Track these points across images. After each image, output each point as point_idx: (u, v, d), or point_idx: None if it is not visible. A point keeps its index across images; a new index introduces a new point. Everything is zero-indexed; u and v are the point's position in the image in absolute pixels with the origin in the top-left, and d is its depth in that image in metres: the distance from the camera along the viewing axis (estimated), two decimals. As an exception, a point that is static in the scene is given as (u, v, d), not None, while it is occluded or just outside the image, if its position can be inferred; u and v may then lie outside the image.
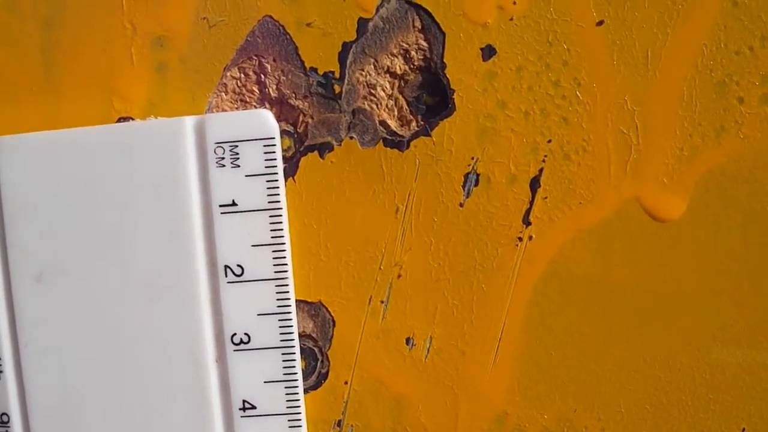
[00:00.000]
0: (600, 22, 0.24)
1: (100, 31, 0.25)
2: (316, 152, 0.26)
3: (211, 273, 0.24)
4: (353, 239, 0.26)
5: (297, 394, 0.25)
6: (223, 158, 0.24)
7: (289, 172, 0.26)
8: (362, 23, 0.25)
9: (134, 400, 0.25)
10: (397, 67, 0.25)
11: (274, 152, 0.24)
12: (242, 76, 0.26)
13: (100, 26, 0.25)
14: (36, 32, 0.25)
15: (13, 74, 0.26)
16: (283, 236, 0.25)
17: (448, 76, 0.25)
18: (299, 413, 0.25)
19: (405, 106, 0.26)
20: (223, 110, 0.25)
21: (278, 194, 0.24)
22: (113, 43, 0.25)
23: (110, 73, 0.26)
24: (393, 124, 0.26)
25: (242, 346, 0.25)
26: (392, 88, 0.26)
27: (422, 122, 0.25)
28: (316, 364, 0.26)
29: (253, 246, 0.24)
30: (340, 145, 0.26)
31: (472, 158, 0.25)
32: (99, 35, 0.25)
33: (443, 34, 0.25)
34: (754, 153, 0.24)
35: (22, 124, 0.26)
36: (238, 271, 0.24)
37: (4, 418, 0.25)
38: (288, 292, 0.25)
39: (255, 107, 0.25)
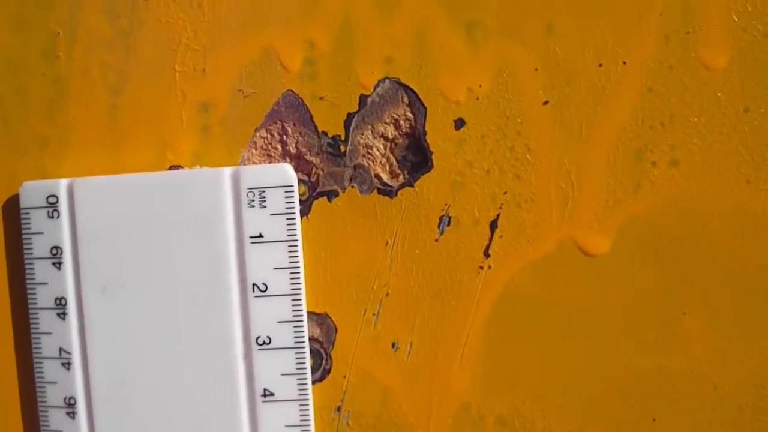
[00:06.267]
0: (546, 102, 0.26)
1: (157, 97, 0.27)
2: (325, 197, 0.27)
3: (241, 289, 0.26)
4: (352, 265, 0.27)
5: (306, 384, 0.26)
6: (253, 200, 0.26)
7: (304, 212, 0.27)
8: (363, 98, 0.27)
9: (177, 388, 0.26)
10: (389, 133, 0.27)
11: (292, 196, 0.26)
12: (269, 136, 0.27)
13: (157, 94, 0.27)
14: (104, 96, 0.27)
15: (86, 129, 0.28)
16: (298, 262, 0.26)
17: (428, 141, 0.27)
18: (308, 400, 0.26)
19: (395, 163, 0.27)
20: (253, 163, 0.27)
21: (295, 229, 0.26)
22: (167, 107, 0.27)
23: (164, 130, 0.27)
24: (385, 176, 0.27)
25: (264, 346, 0.26)
26: (385, 149, 0.27)
27: (407, 176, 0.27)
28: (321, 362, 0.27)
29: (275, 269, 0.26)
30: (344, 192, 0.27)
31: (446, 204, 0.27)
32: (156, 101, 0.27)
33: (425, 108, 0.27)
34: (664, 205, 0.26)
35: (93, 168, 0.27)
36: (263, 287, 0.26)
37: (72, 401, 0.27)
38: (301, 304, 0.26)
39: (278, 161, 0.27)
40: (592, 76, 0.26)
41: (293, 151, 0.27)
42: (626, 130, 0.26)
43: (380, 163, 0.27)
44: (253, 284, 0.26)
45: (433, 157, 0.27)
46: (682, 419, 0.27)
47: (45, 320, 0.27)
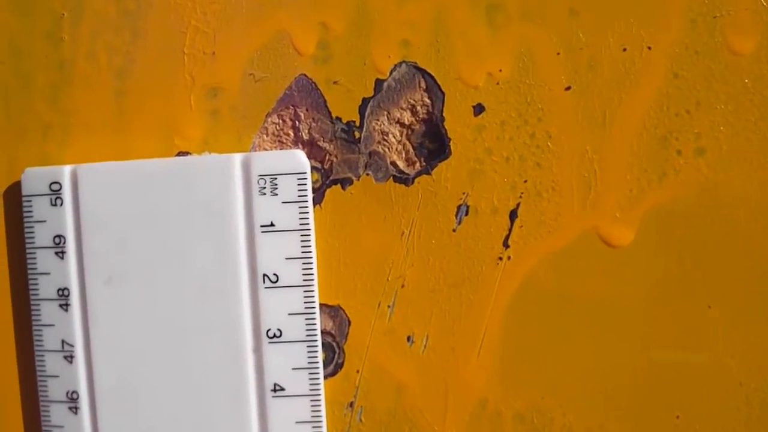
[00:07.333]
0: (568, 88, 0.26)
1: (165, 81, 0.27)
2: (339, 185, 0.27)
3: (251, 280, 0.26)
4: (367, 256, 0.27)
5: (318, 379, 0.26)
6: (264, 188, 0.26)
7: (317, 200, 0.27)
8: (378, 83, 0.27)
9: (184, 383, 0.26)
10: (406, 119, 0.27)
11: (305, 184, 0.26)
12: (280, 121, 0.27)
13: (165, 77, 0.27)
14: (110, 79, 0.27)
15: (91, 114, 0.28)
16: (310, 252, 0.26)
17: (446, 127, 0.27)
18: (320, 395, 0.26)
19: (411, 150, 0.27)
20: (264, 149, 0.27)
21: (308, 218, 0.26)
22: (175, 91, 0.27)
23: (172, 115, 0.27)
24: (401, 164, 0.27)
25: (275, 340, 0.26)
26: (401, 136, 0.27)
27: (424, 163, 0.27)
28: (334, 356, 0.27)
29: (286, 259, 0.26)
30: (359, 180, 0.27)
31: (464, 193, 0.27)
32: (164, 84, 0.27)
33: (443, 93, 0.26)
34: (689, 195, 0.26)
35: (98, 155, 0.27)
36: (273, 278, 0.26)
37: (74, 396, 0.26)
38: (313, 296, 0.26)
39: (290, 148, 0.27)
40: (615, 61, 0.26)
41: (306, 137, 0.27)
42: (651, 117, 0.26)
43: (396, 150, 0.27)
44: (264, 275, 0.26)
45: (450, 144, 0.27)
46: (707, 417, 0.27)
47: (47, 312, 0.27)
